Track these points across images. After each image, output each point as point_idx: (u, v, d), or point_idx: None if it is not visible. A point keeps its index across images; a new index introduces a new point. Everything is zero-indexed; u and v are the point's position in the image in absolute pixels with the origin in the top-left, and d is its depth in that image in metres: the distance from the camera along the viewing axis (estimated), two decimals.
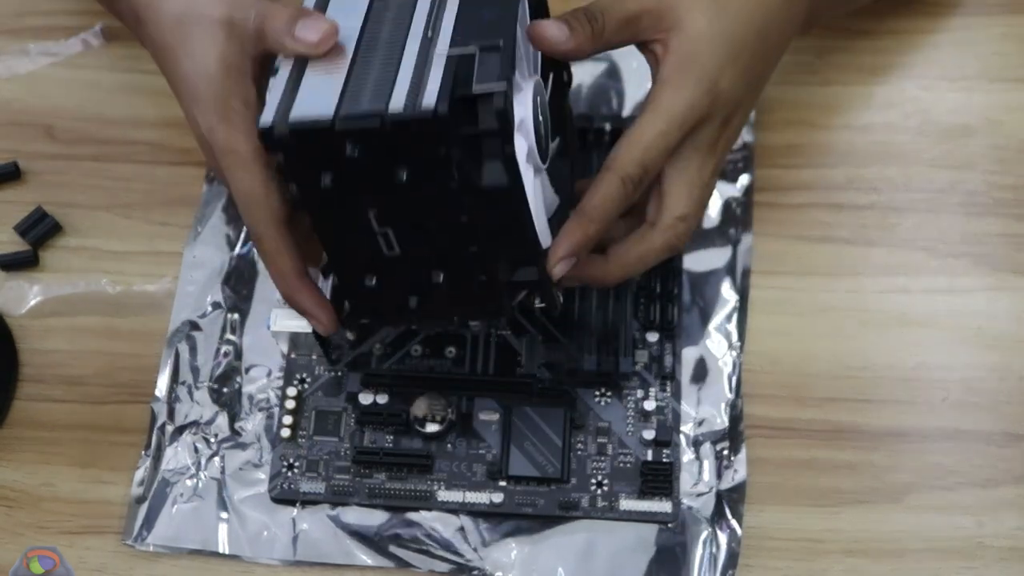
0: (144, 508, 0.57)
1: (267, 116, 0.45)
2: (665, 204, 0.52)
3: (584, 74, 0.66)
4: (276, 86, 0.47)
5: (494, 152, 0.45)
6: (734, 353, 0.59)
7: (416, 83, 0.44)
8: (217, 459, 0.58)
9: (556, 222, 0.52)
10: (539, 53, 0.52)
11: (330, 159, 0.45)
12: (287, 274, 0.51)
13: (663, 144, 0.50)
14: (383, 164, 0.44)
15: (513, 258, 0.49)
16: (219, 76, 0.50)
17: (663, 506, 0.56)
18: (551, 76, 0.54)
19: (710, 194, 0.54)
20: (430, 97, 0.43)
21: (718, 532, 0.56)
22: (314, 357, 0.60)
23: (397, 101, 0.44)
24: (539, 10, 0.53)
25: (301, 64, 0.47)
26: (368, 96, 0.45)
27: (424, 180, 0.45)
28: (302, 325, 0.54)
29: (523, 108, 0.48)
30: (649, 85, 0.52)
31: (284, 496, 0.57)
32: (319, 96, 0.45)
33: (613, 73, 0.66)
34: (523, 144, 0.48)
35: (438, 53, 0.45)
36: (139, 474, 0.58)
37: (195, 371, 0.60)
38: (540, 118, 0.50)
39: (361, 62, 0.46)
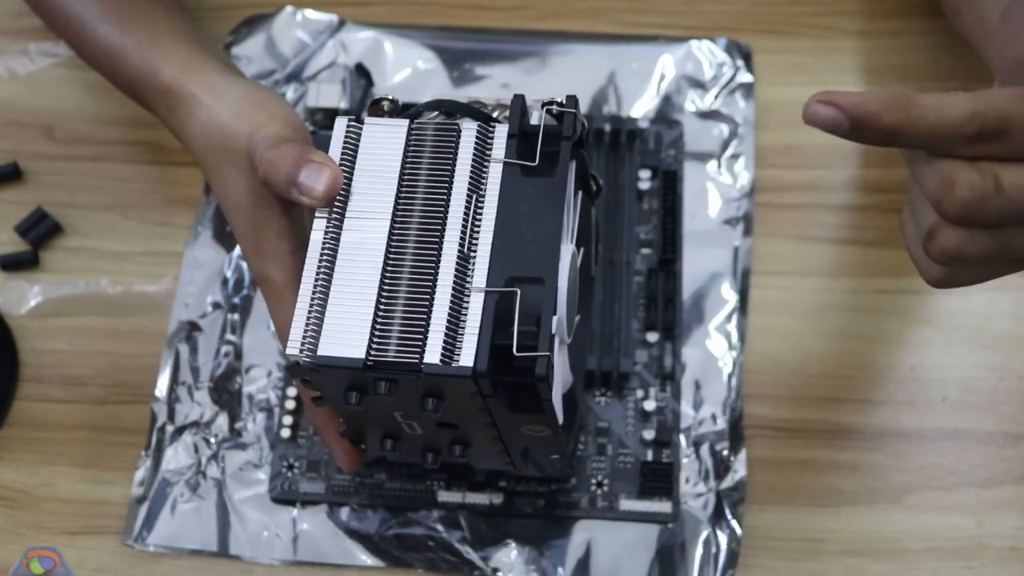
0: (144, 508, 0.57)
1: (293, 346, 0.43)
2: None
3: (584, 75, 0.66)
4: (301, 304, 0.44)
5: (531, 396, 0.43)
6: (734, 353, 0.59)
7: (453, 325, 0.43)
8: (217, 459, 0.58)
9: (568, 404, 0.50)
10: (578, 211, 0.49)
11: (357, 387, 0.44)
12: (319, 412, 0.51)
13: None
14: (413, 395, 0.44)
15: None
16: (250, 207, 0.50)
17: (663, 506, 0.56)
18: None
19: None
20: (468, 353, 0.42)
21: (718, 532, 0.56)
22: None
23: (433, 351, 0.42)
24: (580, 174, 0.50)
25: (329, 264, 0.44)
26: (398, 331, 0.43)
27: (453, 405, 0.44)
28: None
29: (561, 279, 0.46)
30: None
31: (284, 496, 0.57)
32: (348, 325, 0.43)
33: (613, 73, 0.66)
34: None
35: (475, 286, 0.43)
36: (139, 474, 0.58)
37: (195, 371, 0.60)
38: (573, 289, 0.48)
39: (391, 276, 0.44)
